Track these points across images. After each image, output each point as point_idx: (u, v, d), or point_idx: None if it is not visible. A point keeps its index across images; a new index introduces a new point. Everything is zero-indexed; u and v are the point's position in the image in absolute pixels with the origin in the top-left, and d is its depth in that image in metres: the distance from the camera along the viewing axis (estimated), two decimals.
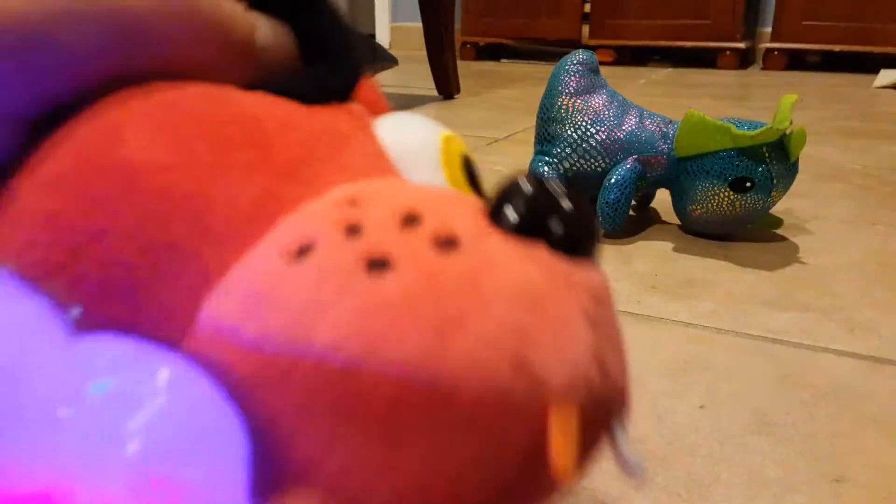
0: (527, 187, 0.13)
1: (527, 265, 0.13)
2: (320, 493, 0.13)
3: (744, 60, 2.49)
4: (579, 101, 0.68)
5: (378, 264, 0.13)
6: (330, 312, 0.13)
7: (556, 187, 0.13)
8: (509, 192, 0.13)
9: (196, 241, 0.15)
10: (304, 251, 0.14)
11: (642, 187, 0.67)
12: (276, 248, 0.14)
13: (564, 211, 0.13)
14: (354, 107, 0.19)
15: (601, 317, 0.13)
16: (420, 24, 1.56)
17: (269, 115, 0.16)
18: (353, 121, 0.18)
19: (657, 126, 0.66)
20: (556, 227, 0.13)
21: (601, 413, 0.13)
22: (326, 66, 0.18)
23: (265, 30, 0.18)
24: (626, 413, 0.14)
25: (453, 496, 0.13)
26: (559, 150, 0.68)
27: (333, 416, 0.13)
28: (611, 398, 0.13)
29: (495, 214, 0.13)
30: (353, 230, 0.13)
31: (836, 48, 2.25)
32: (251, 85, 0.18)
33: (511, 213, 0.13)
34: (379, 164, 0.17)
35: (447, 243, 0.13)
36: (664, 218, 0.73)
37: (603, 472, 0.33)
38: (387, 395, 0.12)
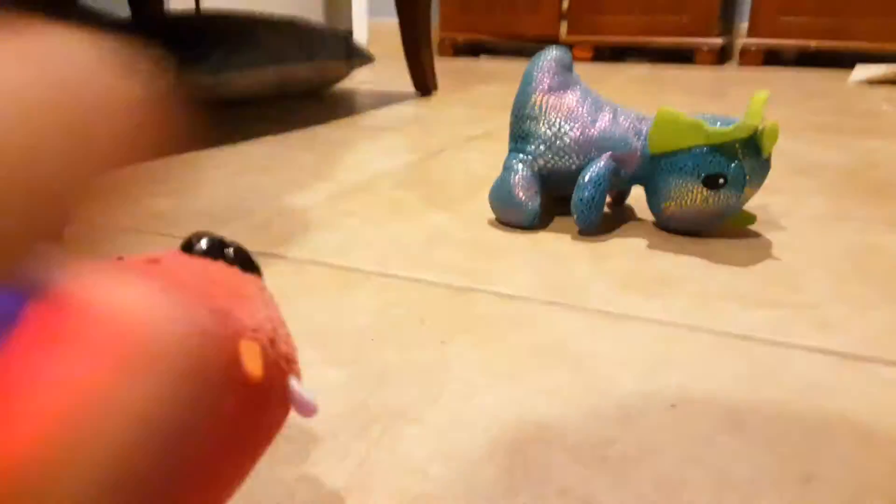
0: (208, 233, 0.21)
1: (213, 264, 0.20)
2: None
3: (721, 57, 2.51)
4: (553, 98, 0.68)
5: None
6: None
7: (224, 239, 0.21)
8: (198, 234, 0.21)
9: None
10: None
11: (617, 184, 0.67)
12: None
13: (234, 245, 0.21)
14: None
15: (269, 302, 0.20)
16: (397, 21, 1.55)
17: None
18: None
19: (631, 123, 0.66)
20: (229, 252, 0.20)
21: (280, 362, 0.19)
22: None
23: None
24: (297, 371, 0.21)
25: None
26: (533, 148, 0.67)
27: None
28: (286, 354, 0.19)
29: (187, 247, 0.21)
30: None
31: (813, 44, 2.27)
32: None
33: (201, 244, 0.20)
34: None
35: (154, 261, 0.20)
36: (639, 215, 0.73)
37: (571, 474, 0.33)
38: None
